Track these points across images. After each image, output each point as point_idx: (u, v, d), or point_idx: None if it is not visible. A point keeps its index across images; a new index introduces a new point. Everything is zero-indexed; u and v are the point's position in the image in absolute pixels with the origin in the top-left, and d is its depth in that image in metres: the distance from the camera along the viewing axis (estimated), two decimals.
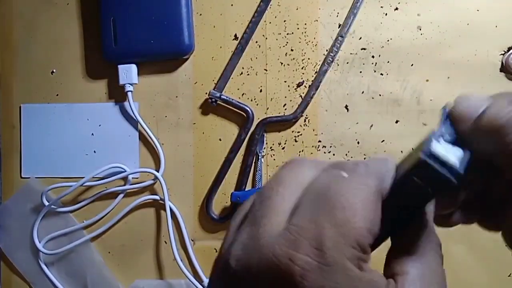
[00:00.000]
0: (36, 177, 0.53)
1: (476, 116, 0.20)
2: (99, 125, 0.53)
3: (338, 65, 0.49)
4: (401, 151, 0.48)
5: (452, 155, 0.18)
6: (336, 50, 0.49)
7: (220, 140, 0.51)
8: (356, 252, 0.18)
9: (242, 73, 0.50)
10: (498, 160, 0.20)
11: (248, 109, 0.49)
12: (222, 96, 0.49)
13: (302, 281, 0.17)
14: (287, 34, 0.50)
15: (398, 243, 0.22)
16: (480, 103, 0.20)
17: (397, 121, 0.49)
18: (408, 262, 0.20)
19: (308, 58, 0.49)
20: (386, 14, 0.49)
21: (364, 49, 0.49)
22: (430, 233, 0.21)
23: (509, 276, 0.47)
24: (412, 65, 0.48)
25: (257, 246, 0.19)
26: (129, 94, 0.50)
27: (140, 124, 0.51)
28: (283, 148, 0.50)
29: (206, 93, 0.50)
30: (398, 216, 0.21)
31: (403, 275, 0.20)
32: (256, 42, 0.50)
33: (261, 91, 0.50)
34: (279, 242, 0.18)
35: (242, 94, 0.50)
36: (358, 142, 0.49)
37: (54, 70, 0.53)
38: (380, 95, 0.49)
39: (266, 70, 0.50)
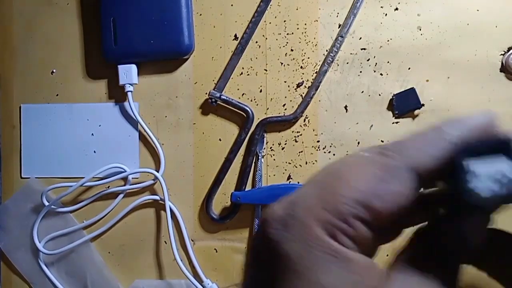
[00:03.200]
0: (36, 177, 0.53)
1: None
2: (99, 125, 0.53)
3: (338, 65, 0.49)
4: None
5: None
6: (336, 50, 0.49)
7: (220, 140, 0.51)
8: (330, 216, 0.18)
9: (242, 73, 0.50)
10: None
11: (248, 109, 0.49)
12: (222, 96, 0.49)
13: (267, 228, 0.18)
14: (287, 34, 0.50)
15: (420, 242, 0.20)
16: None
17: (397, 122, 0.49)
18: (406, 271, 0.18)
19: (308, 58, 0.49)
20: (386, 14, 0.49)
21: (364, 49, 0.49)
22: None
23: None
24: (412, 65, 0.48)
25: None
26: (129, 94, 0.50)
27: (140, 124, 0.51)
28: (283, 148, 0.50)
29: (206, 93, 0.50)
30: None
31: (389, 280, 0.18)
32: (256, 42, 0.50)
33: (261, 91, 0.50)
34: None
35: (242, 94, 0.50)
36: (358, 142, 0.49)
37: (54, 70, 0.53)
38: (380, 95, 0.49)
39: (266, 70, 0.50)
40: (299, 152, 0.50)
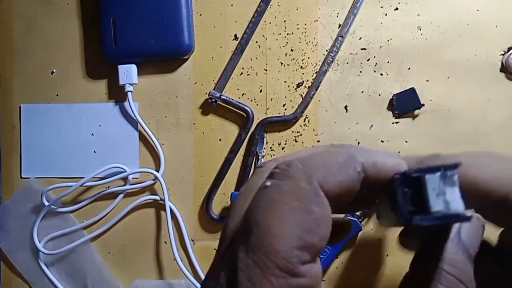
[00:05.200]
0: (36, 177, 0.53)
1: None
2: (99, 125, 0.53)
3: (338, 65, 0.49)
4: (399, 152, 0.49)
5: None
6: (336, 50, 0.49)
7: (220, 140, 0.51)
8: (282, 274, 0.17)
9: (242, 73, 0.50)
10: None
11: (248, 109, 0.49)
12: (222, 96, 0.49)
13: None
14: (287, 34, 0.50)
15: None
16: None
17: (397, 122, 0.49)
18: None
19: (308, 58, 0.49)
20: (386, 14, 0.49)
21: (364, 49, 0.49)
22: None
23: None
24: (412, 65, 0.48)
25: None
26: (129, 94, 0.50)
27: (140, 124, 0.51)
28: (283, 148, 0.50)
29: (206, 93, 0.50)
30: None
31: None
32: (256, 42, 0.50)
33: (261, 91, 0.50)
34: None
35: (242, 94, 0.50)
36: (358, 142, 0.49)
37: (54, 70, 0.53)
38: (380, 95, 0.49)
39: (266, 70, 0.50)
40: None
